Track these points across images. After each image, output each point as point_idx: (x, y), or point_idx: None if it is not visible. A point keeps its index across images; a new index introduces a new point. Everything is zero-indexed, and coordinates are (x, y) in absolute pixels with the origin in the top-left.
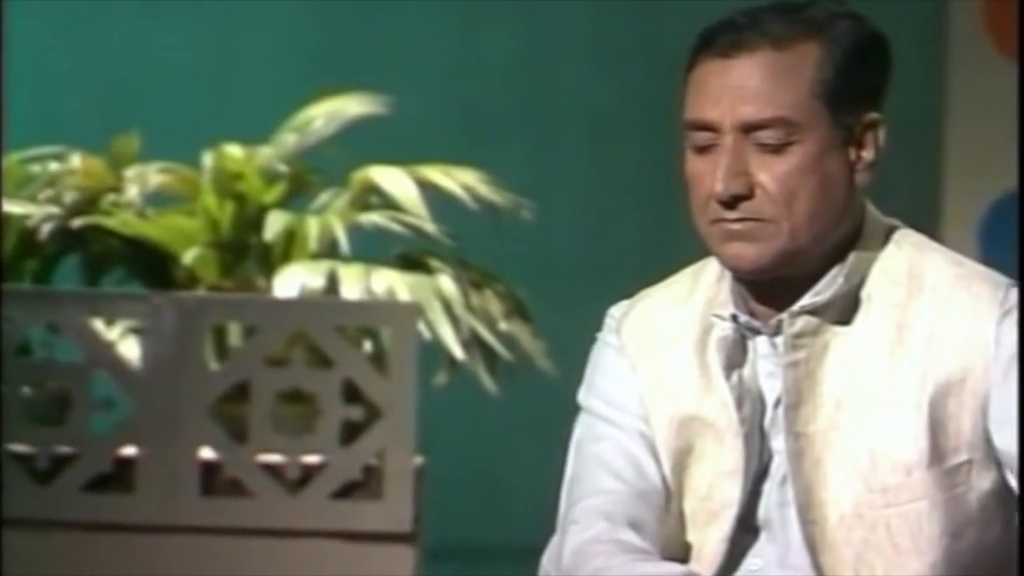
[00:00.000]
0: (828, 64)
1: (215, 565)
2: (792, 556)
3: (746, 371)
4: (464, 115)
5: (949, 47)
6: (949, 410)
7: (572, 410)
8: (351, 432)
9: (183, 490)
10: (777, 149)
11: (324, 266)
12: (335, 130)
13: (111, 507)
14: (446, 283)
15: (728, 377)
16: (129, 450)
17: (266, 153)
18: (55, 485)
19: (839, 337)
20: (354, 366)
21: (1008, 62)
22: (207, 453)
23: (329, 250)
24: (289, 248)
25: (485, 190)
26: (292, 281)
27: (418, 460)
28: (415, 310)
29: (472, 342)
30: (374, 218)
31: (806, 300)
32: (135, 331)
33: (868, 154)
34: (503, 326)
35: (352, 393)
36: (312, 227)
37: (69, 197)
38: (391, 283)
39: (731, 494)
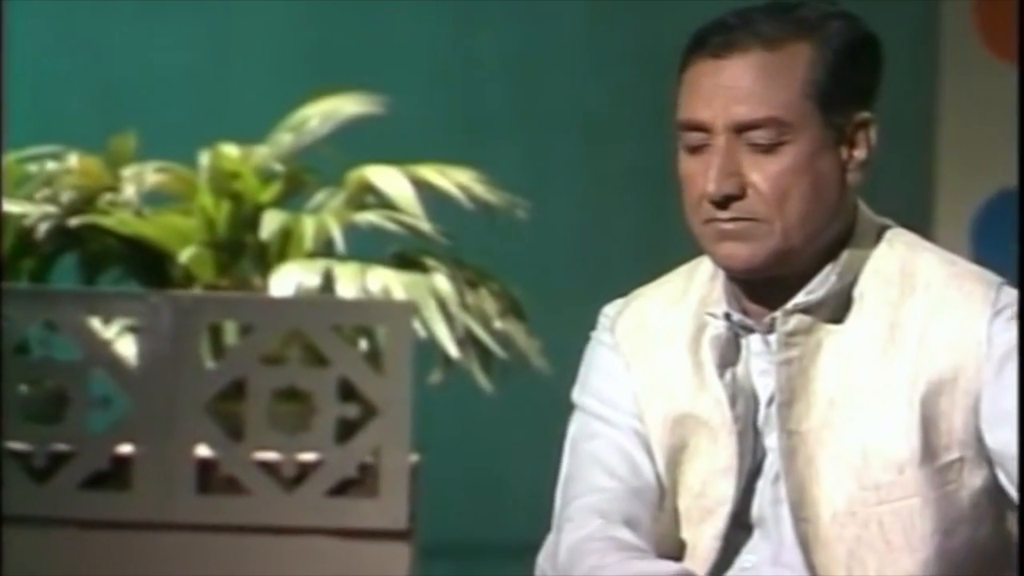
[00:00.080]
0: (819, 64)
1: (212, 562)
2: (785, 553)
3: (739, 369)
4: (459, 115)
5: (941, 47)
6: (941, 408)
7: (567, 408)
8: (347, 430)
9: (180, 488)
10: (769, 149)
11: (320, 265)
12: (331, 130)
13: (108, 504)
14: (441, 282)
15: (721, 375)
16: (126, 448)
17: (262, 153)
18: (52, 483)
19: (832, 335)
20: (350, 364)
21: (999, 62)
22: (204, 451)
23: (325, 249)
24: (285, 247)
25: (480, 189)
26: (288, 280)
27: (413, 458)
28: (410, 309)
29: (467, 341)
30: (370, 217)
31: (799, 298)
32: (132, 330)
33: (860, 153)
34: (498, 325)
35: (348, 391)
36: (308, 226)
37: (66, 196)
38: (386, 282)
39: (725, 491)
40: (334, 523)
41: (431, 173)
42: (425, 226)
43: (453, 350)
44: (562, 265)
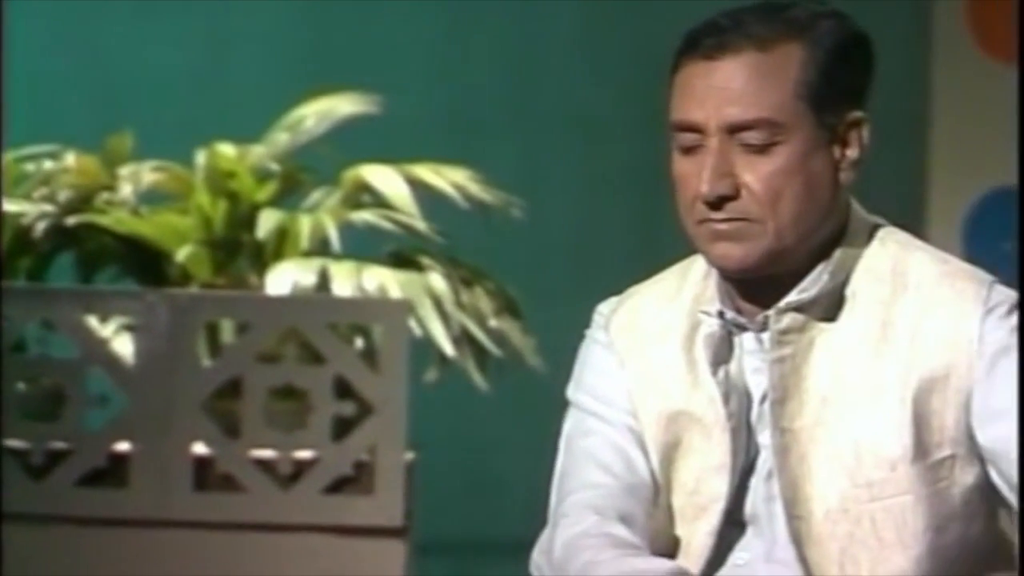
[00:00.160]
0: (811, 65)
1: (208, 560)
2: (778, 550)
3: (732, 367)
4: (454, 114)
5: (933, 46)
6: (933, 406)
7: (562, 406)
8: (343, 428)
9: (176, 485)
10: (762, 150)
11: (316, 264)
12: (326, 129)
13: (105, 502)
14: (437, 280)
15: (715, 373)
16: (123, 446)
17: (258, 152)
18: (50, 480)
19: (824, 334)
20: (346, 362)
21: (992, 61)
22: (200, 448)
23: (321, 248)
24: (281, 246)
25: (475, 188)
26: (284, 278)
27: (409, 455)
28: (406, 307)
29: (462, 339)
30: (365, 216)
31: (792, 297)
32: (129, 328)
33: (852, 153)
34: (493, 323)
35: (344, 389)
36: (304, 225)
37: (63, 195)
38: (382, 280)
39: (718, 489)
40: (330, 520)
41: (426, 172)
42: (421, 225)
43: (449, 348)
44: (557, 264)
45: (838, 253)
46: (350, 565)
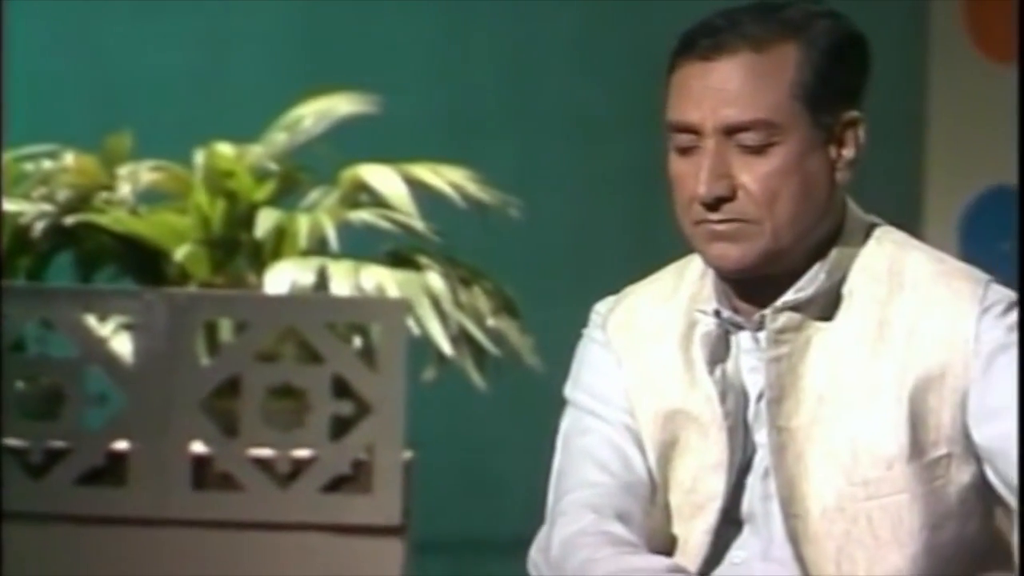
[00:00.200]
0: (807, 65)
1: (207, 558)
2: (775, 549)
3: (729, 366)
4: (452, 114)
5: (930, 46)
6: (929, 405)
7: (559, 405)
8: (341, 427)
9: (175, 484)
10: (758, 150)
11: (314, 263)
12: (325, 129)
13: (104, 500)
14: (435, 280)
15: (712, 372)
16: (121, 444)
17: (257, 152)
18: (48, 479)
19: (821, 333)
20: (344, 362)
21: (988, 61)
22: (198, 447)
23: (319, 247)
24: (279, 245)
25: (473, 188)
26: (282, 278)
27: (407, 454)
28: (404, 306)
29: (460, 338)
30: (363, 216)
31: (788, 296)
32: (127, 327)
33: (849, 152)
34: (491, 322)
35: (342, 388)
36: (302, 225)
37: (62, 195)
38: (380, 280)
39: (715, 487)
40: (328, 519)
41: (424, 172)
42: (419, 224)
43: (446, 347)
44: (555, 263)
45: (835, 252)
46: (348, 564)
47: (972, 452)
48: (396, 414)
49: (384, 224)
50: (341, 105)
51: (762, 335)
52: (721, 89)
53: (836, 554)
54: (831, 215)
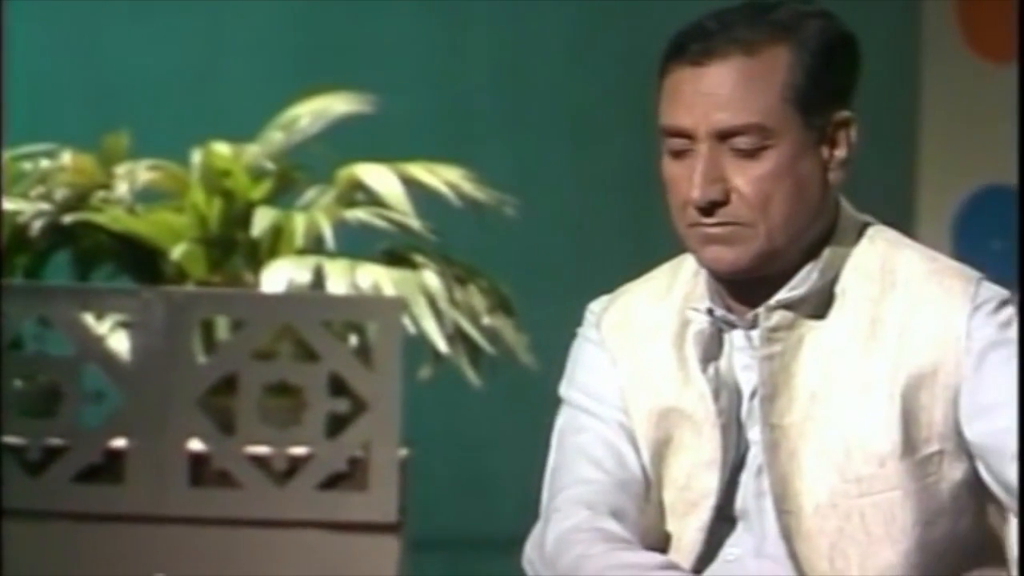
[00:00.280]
0: (798, 67)
1: (204, 555)
2: (768, 545)
3: (722, 364)
4: (448, 113)
5: (922, 45)
6: (921, 402)
7: (554, 403)
8: (337, 424)
9: (172, 481)
10: (751, 154)
11: (310, 261)
12: (321, 128)
13: (101, 498)
14: (430, 278)
15: (705, 370)
16: (119, 442)
17: (253, 151)
18: (47, 476)
19: (814, 331)
20: (340, 360)
21: (980, 60)
22: (196, 445)
23: (315, 246)
24: (276, 244)
25: (469, 187)
26: (279, 276)
27: (403, 452)
28: (400, 305)
29: (456, 336)
30: (359, 214)
31: (782, 295)
32: (125, 325)
33: (841, 152)
34: (486, 321)
35: (338, 386)
36: (299, 223)
37: (60, 194)
38: (376, 278)
39: (709, 484)
40: (324, 516)
41: (420, 171)
42: (414, 223)
43: (442, 346)
44: (550, 262)
45: (828, 251)
46: (344, 561)
47: (964, 449)
48: (392, 412)
49: (380, 223)
50: (337, 104)
51: (755, 333)
52: (713, 94)
53: (829, 550)
54: (824, 215)
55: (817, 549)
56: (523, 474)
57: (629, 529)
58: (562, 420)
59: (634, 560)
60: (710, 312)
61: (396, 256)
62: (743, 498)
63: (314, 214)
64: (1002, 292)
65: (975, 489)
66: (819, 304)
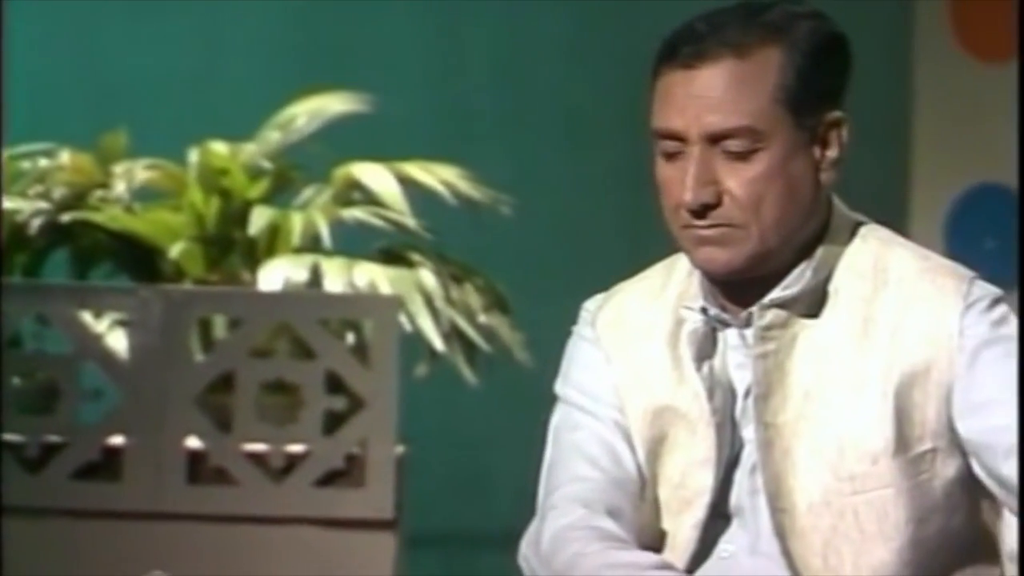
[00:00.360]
0: (789, 69)
1: (201, 551)
2: (762, 543)
3: (716, 362)
4: (445, 113)
5: (915, 44)
6: (914, 400)
7: (549, 400)
8: (334, 422)
9: (170, 478)
10: (743, 156)
11: (307, 260)
12: (318, 127)
13: (99, 495)
14: (427, 277)
15: (699, 368)
16: (117, 439)
17: (250, 150)
18: (45, 473)
19: (807, 329)
20: (337, 357)
21: (973, 59)
22: (193, 442)
23: (312, 244)
24: (273, 242)
25: (465, 186)
26: (276, 275)
27: (399, 449)
28: (396, 303)
29: (452, 334)
30: (356, 213)
31: (775, 294)
32: (123, 323)
33: (832, 152)
34: (482, 319)
35: (335, 384)
36: (296, 222)
37: (58, 193)
38: (373, 277)
39: (703, 482)
40: (321, 513)
41: (416, 170)
42: (411, 222)
43: (438, 343)
44: (545, 261)
45: (820, 251)
46: (341, 557)
47: (957, 446)
48: (388, 409)
49: (377, 222)
50: (334, 104)
51: (749, 332)
52: (704, 97)
53: (822, 548)
54: (817, 215)
55: (811, 547)
56: (519, 471)
57: (624, 527)
58: (557, 418)
59: (629, 560)
60: (704, 311)
61: (392, 255)
62: (737, 496)
63: (311, 213)
64: (994, 290)
65: (968, 486)
66: (812, 303)
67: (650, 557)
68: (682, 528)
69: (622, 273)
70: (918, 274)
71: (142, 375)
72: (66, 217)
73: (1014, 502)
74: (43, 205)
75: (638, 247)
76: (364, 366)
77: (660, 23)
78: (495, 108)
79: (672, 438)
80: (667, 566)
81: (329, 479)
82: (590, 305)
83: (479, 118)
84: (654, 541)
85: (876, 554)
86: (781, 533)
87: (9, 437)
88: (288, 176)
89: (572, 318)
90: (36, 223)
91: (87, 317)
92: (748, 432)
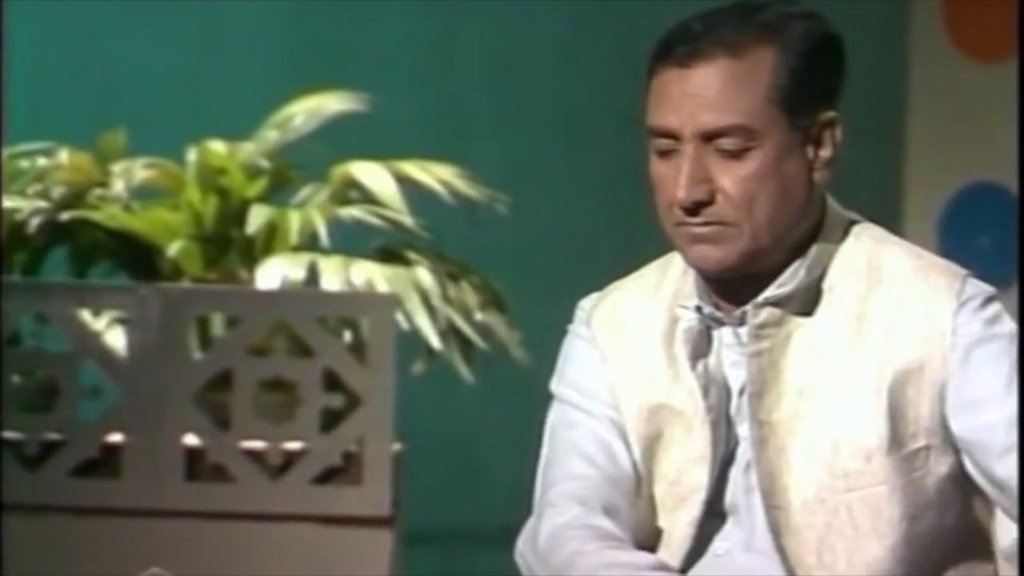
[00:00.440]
0: (783, 69)
1: (199, 548)
2: (757, 540)
3: (711, 361)
4: (442, 112)
5: (909, 44)
6: (908, 397)
7: (545, 398)
8: (331, 419)
9: (168, 475)
10: (736, 154)
11: (305, 258)
12: (315, 126)
13: (98, 492)
14: (423, 275)
15: (694, 367)
16: (116, 437)
17: (248, 149)
18: (44, 470)
19: (801, 328)
20: (334, 355)
21: (967, 60)
22: (191, 439)
23: (310, 243)
24: (271, 241)
25: (462, 185)
26: (274, 273)
27: (396, 446)
28: (393, 301)
29: (449, 332)
30: (353, 212)
31: (769, 292)
32: (121, 321)
33: (826, 152)
34: (479, 317)
35: (332, 381)
36: (293, 221)
37: (57, 191)
38: (370, 275)
39: (699, 479)
40: (319, 510)
41: (413, 169)
42: (408, 221)
43: (435, 341)
44: (541, 259)
45: (814, 249)
46: (338, 554)
47: (950, 444)
48: (386, 407)
49: (374, 220)
50: (332, 103)
51: (743, 330)
52: (699, 95)
53: (817, 545)
54: (810, 214)
55: (805, 543)
56: (515, 468)
57: (621, 525)
58: (553, 416)
59: (626, 559)
60: (698, 309)
61: (390, 253)
62: (732, 493)
63: (309, 212)
64: (987, 288)
65: (961, 483)
66: (806, 301)
67: (647, 557)
68: (677, 525)
69: (617, 272)
70: (911, 272)
71: (141, 373)
72: (65, 216)
73: (1006, 500)
74: (42, 204)
75: (633, 246)
76: (361, 364)
77: (655, 23)
78: (492, 107)
79: (667, 436)
80: (664, 567)
81: (326, 476)
82: (585, 304)
83: (476, 117)
84: (649, 538)
85: (870, 551)
86: (776, 530)
87: (9, 435)
88: (286, 175)
89: (568, 316)
90: (35, 222)
91: (86, 315)
92: (743, 430)
